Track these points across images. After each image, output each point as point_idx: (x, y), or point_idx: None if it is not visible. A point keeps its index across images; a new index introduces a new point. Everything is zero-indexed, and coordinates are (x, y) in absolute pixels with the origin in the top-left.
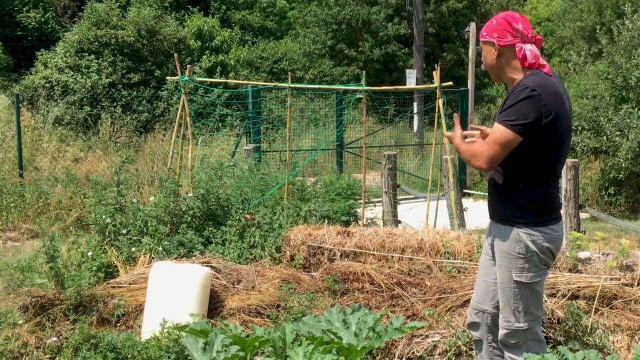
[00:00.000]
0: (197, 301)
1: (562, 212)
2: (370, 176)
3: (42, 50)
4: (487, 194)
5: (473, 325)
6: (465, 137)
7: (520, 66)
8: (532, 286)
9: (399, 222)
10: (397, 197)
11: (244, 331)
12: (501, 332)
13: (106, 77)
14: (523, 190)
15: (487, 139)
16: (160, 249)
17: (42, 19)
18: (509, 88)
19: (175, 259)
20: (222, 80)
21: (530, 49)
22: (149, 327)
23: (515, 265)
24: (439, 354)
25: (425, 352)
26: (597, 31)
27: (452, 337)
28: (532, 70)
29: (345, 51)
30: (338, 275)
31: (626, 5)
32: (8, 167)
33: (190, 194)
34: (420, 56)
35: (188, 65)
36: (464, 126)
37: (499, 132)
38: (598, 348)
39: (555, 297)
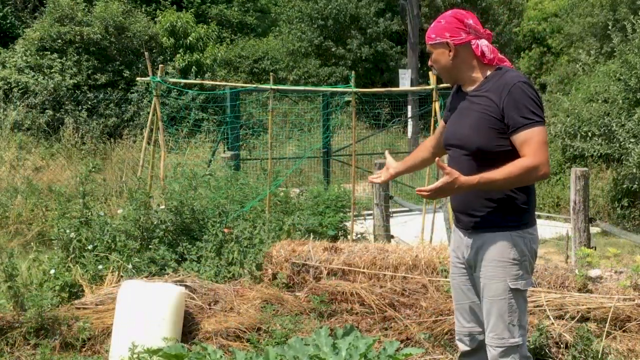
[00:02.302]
0: (170, 323)
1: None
2: (360, 187)
3: None
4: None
5: (469, 354)
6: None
7: (479, 64)
8: (525, 294)
9: (392, 237)
10: (390, 210)
11: (222, 356)
12: (494, 352)
13: (70, 78)
14: (511, 192)
15: (528, 145)
16: (130, 266)
17: (0, 14)
18: (468, 87)
19: (146, 277)
20: (198, 81)
21: (486, 45)
22: (117, 352)
23: (510, 272)
24: None
25: None
26: (610, 28)
27: None
28: (498, 66)
29: (333, 49)
30: (325, 295)
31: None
32: None
33: (163, 206)
34: (414, 55)
35: (160, 65)
36: None
37: (538, 132)
38: None
39: (563, 319)
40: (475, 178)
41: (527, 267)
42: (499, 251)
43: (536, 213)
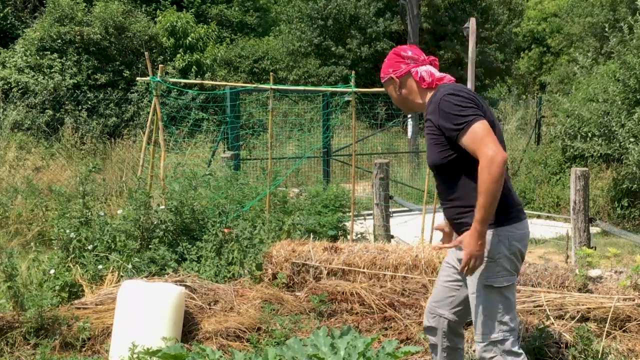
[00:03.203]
0: (170, 324)
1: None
2: (360, 186)
3: None
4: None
5: (429, 330)
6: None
7: (420, 89)
8: (502, 292)
9: (392, 236)
10: (390, 210)
11: (222, 356)
12: (477, 348)
13: (70, 78)
14: (468, 190)
15: (473, 146)
16: (130, 266)
17: (0, 15)
18: (423, 114)
19: (146, 277)
20: (198, 81)
21: (425, 70)
22: (117, 352)
23: (485, 269)
24: None
25: None
26: (607, 29)
27: None
28: (436, 88)
29: (332, 49)
30: (325, 295)
31: (638, 1)
32: None
33: (163, 206)
34: None
35: (160, 65)
36: None
37: (474, 130)
38: None
39: (563, 319)
40: (474, 225)
41: (504, 265)
42: None
43: (536, 213)
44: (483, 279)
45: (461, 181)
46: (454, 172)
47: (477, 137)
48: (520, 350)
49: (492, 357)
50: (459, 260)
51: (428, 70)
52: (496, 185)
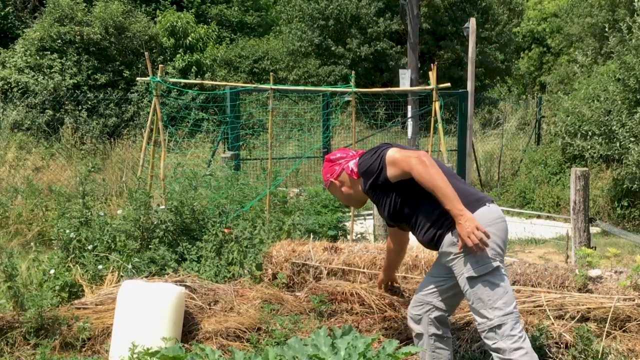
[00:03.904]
0: (170, 324)
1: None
2: None
3: None
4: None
5: (415, 319)
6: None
7: (355, 180)
8: (487, 279)
9: None
10: None
11: (221, 356)
12: (482, 338)
13: (70, 78)
14: (426, 211)
15: (400, 169)
16: (130, 266)
17: (1, 14)
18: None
19: (146, 277)
20: (198, 81)
21: (353, 162)
22: (117, 352)
23: (462, 264)
24: None
25: None
26: (607, 29)
27: None
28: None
29: (332, 48)
30: (325, 295)
31: (637, 1)
32: None
33: (163, 206)
34: (414, 55)
35: (160, 65)
36: (463, 131)
37: (391, 155)
38: None
39: (563, 319)
40: (452, 214)
41: (481, 253)
42: (447, 252)
43: (536, 213)
44: (465, 273)
45: (415, 208)
46: (408, 208)
47: (393, 161)
48: (522, 333)
49: (494, 343)
50: (447, 268)
51: (355, 161)
52: (435, 181)
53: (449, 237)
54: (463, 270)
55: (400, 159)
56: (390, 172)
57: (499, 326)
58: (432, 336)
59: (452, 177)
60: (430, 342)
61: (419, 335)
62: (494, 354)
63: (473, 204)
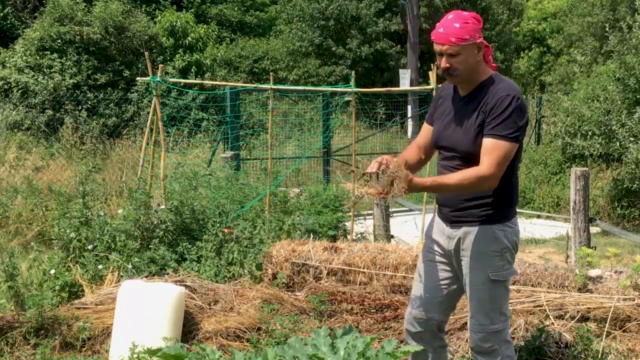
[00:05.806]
0: (170, 324)
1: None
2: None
3: None
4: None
5: (416, 336)
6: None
7: (482, 67)
8: (506, 284)
9: (392, 236)
10: (390, 210)
11: (222, 356)
12: (475, 337)
13: (70, 78)
14: (504, 184)
15: (489, 156)
16: (130, 266)
17: (1, 14)
18: (464, 91)
19: (146, 277)
20: (198, 81)
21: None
22: (117, 352)
23: (491, 264)
24: None
25: None
26: (607, 29)
27: None
28: (494, 73)
29: (333, 48)
30: (325, 295)
31: (637, 1)
32: None
33: (163, 206)
34: (414, 55)
35: (160, 65)
36: None
37: (504, 147)
38: None
39: (563, 319)
40: (427, 180)
41: (508, 258)
42: (481, 244)
43: (536, 213)
44: (490, 273)
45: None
46: (477, 159)
47: (501, 154)
48: (510, 338)
49: (491, 347)
50: (454, 251)
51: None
52: (464, 191)
53: (496, 229)
54: (492, 270)
55: (496, 159)
56: (492, 143)
57: (501, 331)
58: (437, 349)
59: (516, 178)
60: (435, 356)
61: (420, 353)
62: (480, 356)
63: (515, 210)
